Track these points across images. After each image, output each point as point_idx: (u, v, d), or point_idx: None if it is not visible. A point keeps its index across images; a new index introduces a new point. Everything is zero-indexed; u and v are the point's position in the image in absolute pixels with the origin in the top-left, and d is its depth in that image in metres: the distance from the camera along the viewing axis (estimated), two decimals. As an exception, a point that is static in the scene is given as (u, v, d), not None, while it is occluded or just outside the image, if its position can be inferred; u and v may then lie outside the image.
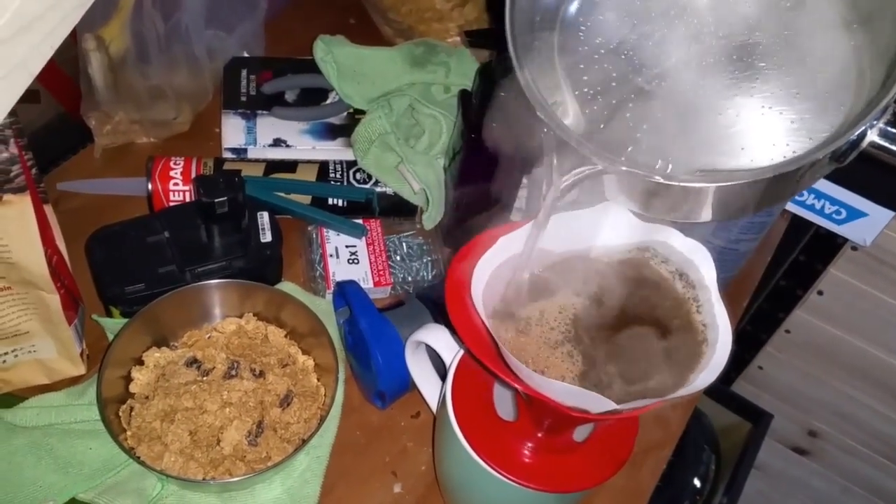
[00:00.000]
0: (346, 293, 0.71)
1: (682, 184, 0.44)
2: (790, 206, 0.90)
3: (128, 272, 0.70)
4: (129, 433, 0.64)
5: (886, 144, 0.44)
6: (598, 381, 0.47)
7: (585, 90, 0.51)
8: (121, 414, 0.65)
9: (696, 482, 1.26)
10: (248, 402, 0.66)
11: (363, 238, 0.80)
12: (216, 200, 0.69)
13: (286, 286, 0.77)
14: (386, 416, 0.72)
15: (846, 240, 1.04)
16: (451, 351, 0.61)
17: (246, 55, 0.96)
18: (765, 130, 0.47)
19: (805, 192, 0.89)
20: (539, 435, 0.55)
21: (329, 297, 0.77)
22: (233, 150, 0.86)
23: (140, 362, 0.68)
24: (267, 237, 0.75)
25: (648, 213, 0.50)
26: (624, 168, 0.45)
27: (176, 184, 0.79)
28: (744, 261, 0.80)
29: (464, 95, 0.77)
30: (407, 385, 0.69)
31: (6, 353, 0.66)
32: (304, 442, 0.64)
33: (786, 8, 0.50)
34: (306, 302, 0.71)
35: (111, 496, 0.62)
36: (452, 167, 0.80)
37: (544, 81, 0.51)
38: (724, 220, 0.50)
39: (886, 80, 0.43)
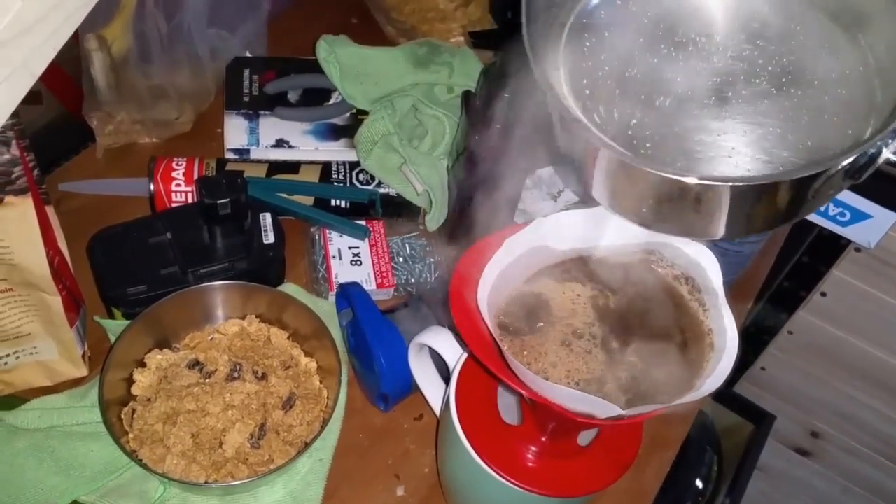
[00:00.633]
0: (349, 295, 0.70)
1: (716, 183, 0.43)
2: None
3: (130, 273, 0.70)
4: (130, 436, 0.63)
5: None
6: (603, 386, 0.47)
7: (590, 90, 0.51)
8: (123, 416, 0.65)
9: (699, 483, 1.26)
10: (250, 404, 0.65)
11: (366, 239, 0.80)
12: (219, 202, 0.68)
13: (289, 288, 0.76)
14: (389, 419, 0.72)
15: (850, 241, 1.04)
16: (454, 354, 0.61)
17: (248, 55, 0.96)
18: (759, 147, 0.47)
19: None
20: (543, 439, 0.55)
21: (332, 298, 0.76)
22: (235, 151, 0.86)
23: (142, 364, 0.67)
24: (269, 238, 0.75)
25: (655, 226, 0.50)
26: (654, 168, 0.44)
27: (178, 184, 0.78)
28: (748, 263, 0.79)
29: (467, 96, 0.77)
30: (410, 387, 0.69)
31: (8, 355, 0.66)
32: (307, 444, 0.63)
33: (796, 31, 0.50)
34: (309, 304, 0.70)
35: (113, 499, 0.62)
36: (456, 168, 0.79)
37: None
38: (732, 236, 0.50)
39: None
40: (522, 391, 0.45)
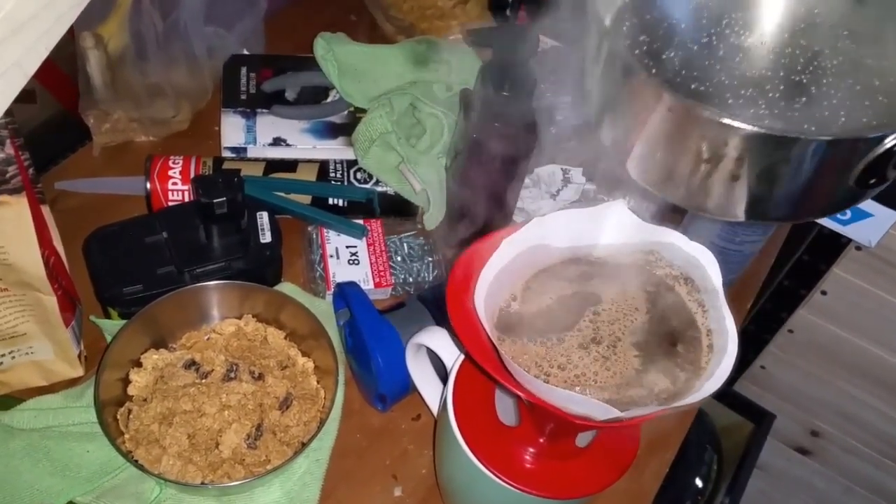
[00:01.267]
0: (347, 294, 0.70)
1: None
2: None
3: (126, 273, 0.70)
4: (126, 436, 0.63)
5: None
6: (602, 387, 0.46)
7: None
8: (119, 417, 0.64)
9: (698, 482, 1.26)
10: (247, 404, 0.65)
11: (364, 238, 0.80)
12: (215, 201, 0.68)
13: (286, 287, 0.76)
14: (386, 419, 0.72)
15: (850, 240, 1.03)
16: (452, 354, 0.60)
17: (246, 53, 0.95)
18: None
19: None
20: (541, 440, 0.55)
21: (329, 298, 0.76)
22: (232, 150, 0.85)
23: (138, 364, 0.67)
24: (266, 238, 0.74)
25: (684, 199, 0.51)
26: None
27: (175, 183, 0.78)
28: (748, 262, 0.79)
29: (466, 94, 0.76)
30: (407, 387, 0.68)
31: (3, 355, 0.66)
32: (304, 445, 0.63)
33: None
34: (306, 303, 0.70)
35: (109, 500, 0.62)
36: (454, 167, 0.79)
37: None
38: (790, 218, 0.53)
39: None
40: (520, 393, 0.45)
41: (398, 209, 0.84)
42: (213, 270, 0.71)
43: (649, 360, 0.47)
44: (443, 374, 0.65)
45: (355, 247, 0.79)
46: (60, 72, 0.86)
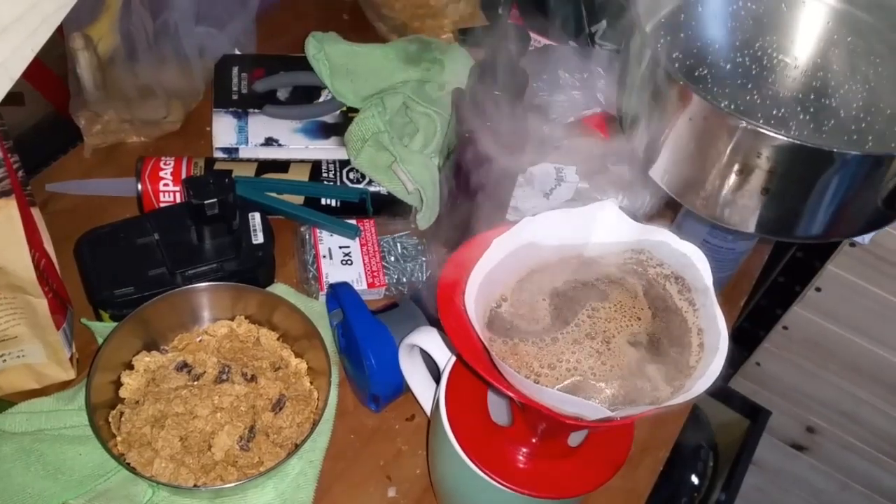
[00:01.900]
0: (340, 295, 0.70)
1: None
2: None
3: (117, 275, 0.69)
4: (118, 439, 0.63)
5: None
6: (593, 387, 0.46)
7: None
8: (110, 419, 0.64)
9: (694, 479, 1.26)
10: (239, 406, 0.65)
11: (357, 238, 0.79)
12: (206, 202, 0.68)
13: (278, 288, 0.76)
14: (380, 420, 0.71)
15: (831, 241, 1.03)
16: (444, 354, 0.60)
17: (237, 52, 0.95)
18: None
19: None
20: (534, 440, 0.55)
21: (322, 298, 0.76)
22: (224, 150, 0.85)
23: (130, 367, 0.67)
24: (259, 238, 0.74)
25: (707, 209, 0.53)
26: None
27: (166, 184, 0.78)
28: (741, 260, 0.79)
29: (458, 93, 0.76)
30: (401, 388, 0.68)
31: (-6, 359, 0.66)
32: (297, 446, 0.63)
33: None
34: (299, 304, 0.70)
35: (101, 502, 0.62)
36: (447, 166, 0.79)
37: None
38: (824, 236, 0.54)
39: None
40: (511, 394, 0.45)
41: (391, 209, 0.84)
42: (204, 272, 0.71)
43: (640, 359, 0.46)
44: (436, 375, 0.65)
45: (348, 247, 0.79)
46: (51, 73, 0.86)
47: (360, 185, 0.83)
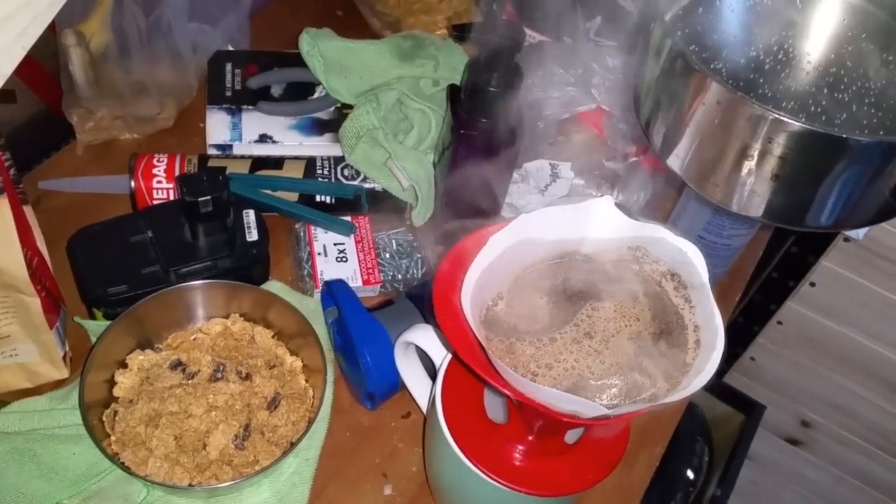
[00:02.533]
0: (335, 292, 0.69)
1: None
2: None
3: (110, 273, 0.69)
4: (113, 438, 0.63)
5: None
6: (589, 385, 0.46)
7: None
8: (104, 418, 0.64)
9: (690, 474, 1.26)
10: (234, 405, 0.65)
11: (352, 235, 0.79)
12: (200, 199, 0.67)
13: (273, 286, 0.75)
14: (376, 417, 0.71)
15: (838, 231, 1.03)
16: (440, 352, 0.60)
17: (230, 49, 0.94)
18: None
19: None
20: (530, 438, 0.55)
21: (317, 296, 0.76)
22: (218, 147, 0.85)
23: (124, 365, 0.66)
24: (253, 236, 0.74)
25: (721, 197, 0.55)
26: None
27: (160, 182, 0.77)
28: (736, 255, 0.79)
29: (453, 90, 0.76)
30: (397, 385, 0.68)
31: (-13, 358, 0.65)
32: (293, 445, 0.63)
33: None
34: (294, 301, 0.69)
35: (95, 502, 0.61)
36: (442, 163, 0.79)
37: None
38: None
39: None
40: (508, 392, 0.45)
41: (386, 206, 0.83)
42: (198, 270, 0.70)
43: (636, 356, 0.46)
44: (432, 372, 0.64)
45: (343, 244, 0.79)
46: (43, 70, 0.85)
47: (355, 182, 0.83)
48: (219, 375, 0.66)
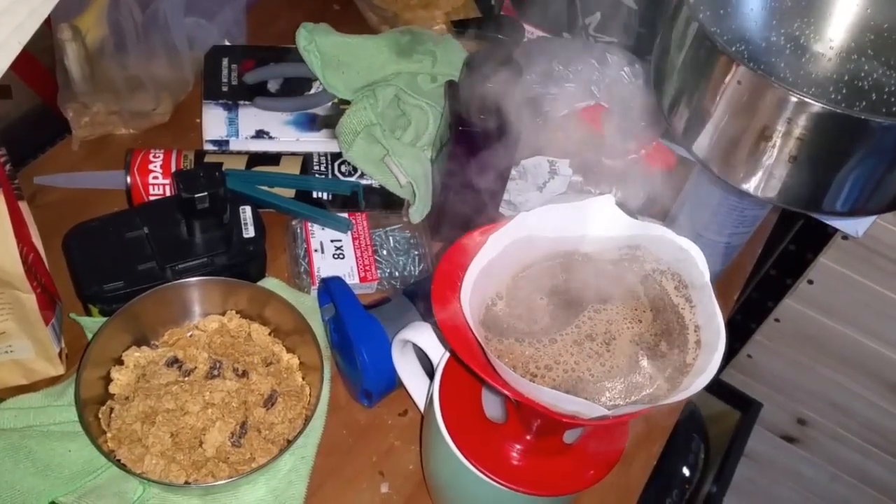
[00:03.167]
0: (332, 289, 0.69)
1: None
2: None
3: (106, 269, 0.68)
4: (108, 435, 0.62)
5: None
6: (589, 386, 0.46)
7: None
8: (100, 415, 0.63)
9: (685, 471, 1.26)
10: (230, 402, 0.64)
11: (349, 232, 0.79)
12: (196, 195, 0.67)
13: (270, 282, 0.75)
14: (373, 415, 0.71)
15: (836, 229, 1.03)
16: (438, 350, 0.60)
17: (227, 43, 0.94)
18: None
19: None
20: (528, 437, 0.54)
21: (314, 293, 0.75)
22: (214, 143, 0.84)
23: (120, 362, 0.66)
24: (250, 232, 0.73)
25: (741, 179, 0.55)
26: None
27: (156, 177, 0.77)
28: (735, 254, 0.79)
29: (451, 86, 0.75)
30: (394, 383, 0.68)
31: (-18, 354, 0.65)
32: (289, 442, 0.62)
33: None
34: (291, 298, 0.69)
35: (91, 500, 0.61)
36: (439, 159, 0.78)
37: None
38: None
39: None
40: (507, 392, 0.45)
41: (383, 202, 0.83)
42: (195, 266, 0.70)
43: (636, 357, 0.46)
44: (429, 370, 0.64)
45: (340, 241, 0.78)
46: (39, 64, 0.85)
47: (352, 179, 0.82)
48: (215, 372, 0.66)
